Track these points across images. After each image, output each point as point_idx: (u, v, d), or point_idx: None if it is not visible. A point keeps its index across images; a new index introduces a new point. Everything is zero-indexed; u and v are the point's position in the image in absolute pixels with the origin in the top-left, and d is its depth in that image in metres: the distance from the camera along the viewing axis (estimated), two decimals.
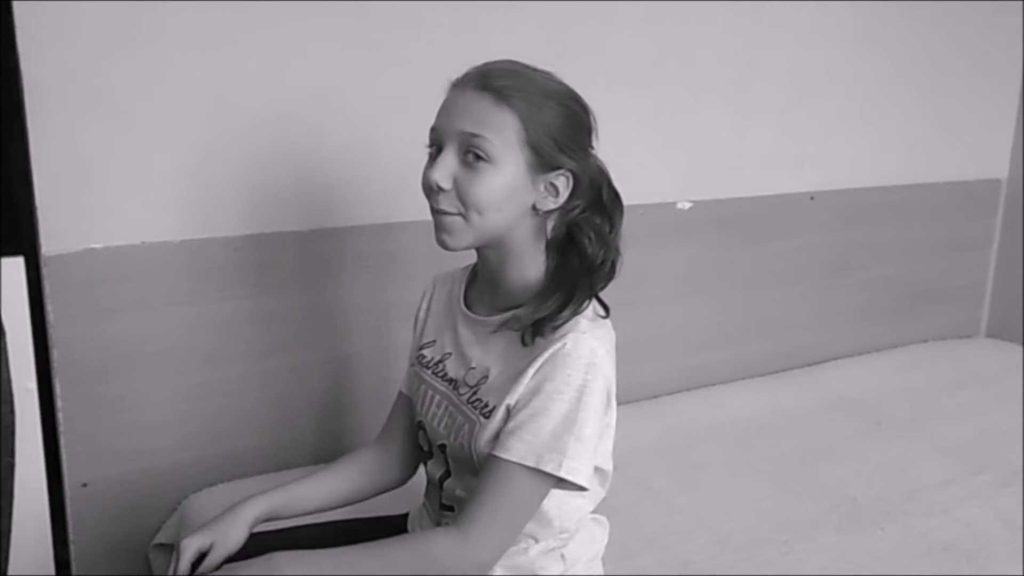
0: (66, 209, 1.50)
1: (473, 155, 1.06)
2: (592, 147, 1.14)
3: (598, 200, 1.15)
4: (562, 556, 1.20)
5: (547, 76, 1.11)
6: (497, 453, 1.07)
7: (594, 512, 1.24)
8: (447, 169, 1.08)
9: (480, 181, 1.07)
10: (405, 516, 1.35)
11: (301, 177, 1.69)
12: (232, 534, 1.18)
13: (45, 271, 1.49)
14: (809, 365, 2.43)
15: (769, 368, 2.37)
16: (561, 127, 1.08)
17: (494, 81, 1.07)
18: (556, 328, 1.08)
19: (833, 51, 2.29)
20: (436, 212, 1.10)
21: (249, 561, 1.07)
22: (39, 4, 1.41)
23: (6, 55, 1.41)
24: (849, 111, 2.36)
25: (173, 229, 1.60)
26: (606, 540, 1.28)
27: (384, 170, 1.73)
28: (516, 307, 1.12)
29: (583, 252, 1.12)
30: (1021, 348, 2.59)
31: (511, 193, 1.08)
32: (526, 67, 1.12)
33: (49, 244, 1.49)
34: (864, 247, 2.49)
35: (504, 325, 1.12)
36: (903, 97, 2.45)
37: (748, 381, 2.31)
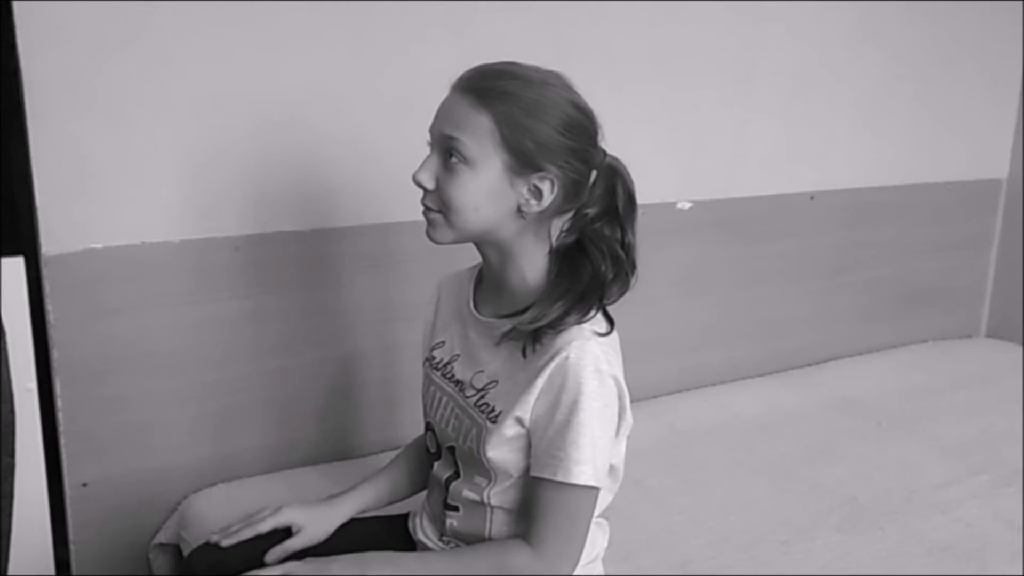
0: (66, 209, 1.50)
1: (452, 157, 1.09)
2: (594, 151, 1.13)
3: (611, 207, 1.15)
4: None
5: (546, 79, 1.10)
6: (545, 475, 1.09)
7: (596, 515, 1.24)
8: (431, 170, 1.12)
9: (456, 182, 1.09)
10: (404, 516, 1.35)
11: (301, 177, 1.69)
12: (321, 527, 1.27)
13: (45, 271, 1.50)
14: (809, 365, 2.43)
15: (769, 368, 2.37)
16: (547, 131, 1.08)
17: (479, 83, 1.09)
18: (558, 334, 1.09)
19: (833, 51, 2.28)
20: (423, 208, 1.14)
21: (339, 557, 1.13)
22: (39, 4, 1.40)
23: (6, 55, 1.41)
24: (849, 111, 2.36)
25: (173, 229, 1.60)
26: (605, 544, 1.28)
27: (384, 170, 1.73)
28: (520, 310, 1.12)
29: (595, 267, 1.13)
30: (1021, 348, 2.59)
31: (489, 195, 1.09)
32: (524, 69, 1.11)
33: (49, 244, 1.49)
34: (864, 247, 2.49)
35: (506, 336, 1.13)
36: (903, 97, 2.45)
37: (748, 381, 2.31)
